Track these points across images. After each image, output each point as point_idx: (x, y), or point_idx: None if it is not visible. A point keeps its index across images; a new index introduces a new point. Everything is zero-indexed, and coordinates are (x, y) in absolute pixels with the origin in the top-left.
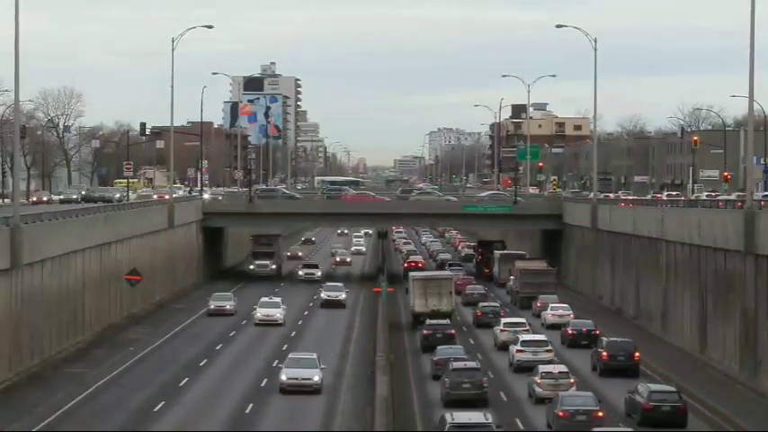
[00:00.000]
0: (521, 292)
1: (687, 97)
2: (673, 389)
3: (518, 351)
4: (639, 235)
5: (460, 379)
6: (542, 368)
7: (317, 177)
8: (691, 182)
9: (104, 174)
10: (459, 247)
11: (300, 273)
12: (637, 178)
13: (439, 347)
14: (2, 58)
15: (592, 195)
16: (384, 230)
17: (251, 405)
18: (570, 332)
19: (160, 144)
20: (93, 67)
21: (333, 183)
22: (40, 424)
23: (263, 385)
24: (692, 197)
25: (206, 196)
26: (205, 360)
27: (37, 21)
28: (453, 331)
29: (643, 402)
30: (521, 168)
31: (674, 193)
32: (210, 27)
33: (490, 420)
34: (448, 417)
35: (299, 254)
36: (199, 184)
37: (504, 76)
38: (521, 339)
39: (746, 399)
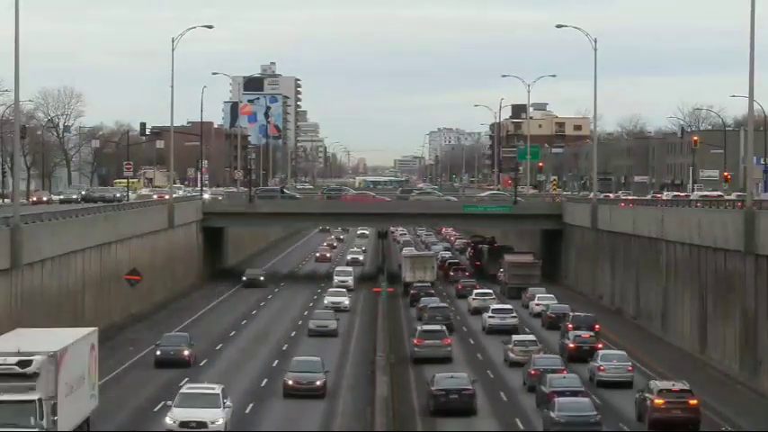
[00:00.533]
0: (509, 283)
1: (687, 97)
2: (591, 334)
3: (489, 317)
4: (639, 235)
5: (434, 313)
6: (515, 338)
7: (382, 178)
8: (691, 182)
9: (104, 174)
10: (455, 243)
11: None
12: (637, 178)
13: (423, 298)
14: (2, 58)
15: (592, 195)
16: (384, 230)
17: (251, 404)
18: (550, 315)
19: (160, 144)
20: (93, 67)
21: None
22: None
23: (263, 385)
24: (692, 195)
25: (206, 196)
26: (205, 360)
27: (37, 21)
28: (433, 291)
29: (569, 344)
30: (521, 168)
31: (683, 194)
32: (210, 27)
33: (444, 329)
34: (419, 326)
35: (186, 353)
36: (199, 184)
37: (504, 76)
38: (491, 307)
39: (746, 399)
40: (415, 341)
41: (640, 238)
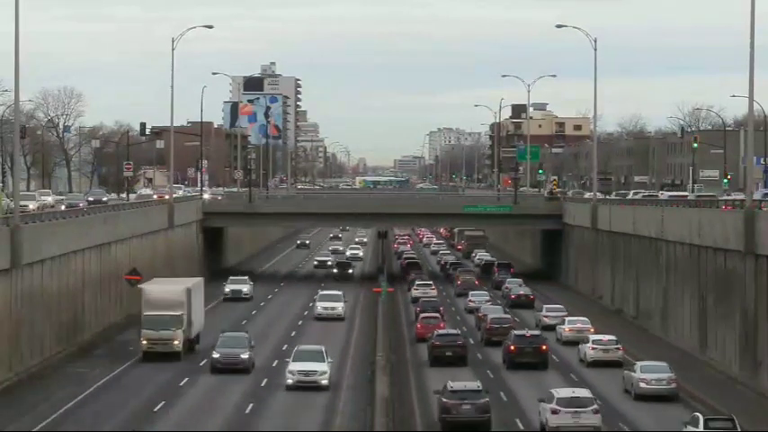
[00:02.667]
0: (466, 248)
1: (687, 97)
2: (510, 274)
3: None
4: (639, 235)
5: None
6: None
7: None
8: (691, 182)
9: (104, 174)
10: (442, 232)
11: None
12: (637, 178)
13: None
14: (2, 58)
15: (588, 195)
16: (384, 230)
17: (251, 405)
18: (483, 264)
19: (160, 144)
20: (93, 67)
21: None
22: (40, 424)
23: (263, 385)
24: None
25: (206, 196)
26: (205, 360)
27: (37, 21)
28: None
29: (496, 279)
30: (521, 168)
31: (685, 194)
32: (210, 27)
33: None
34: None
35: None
36: (199, 184)
37: (504, 76)
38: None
39: (746, 399)
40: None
41: (640, 238)
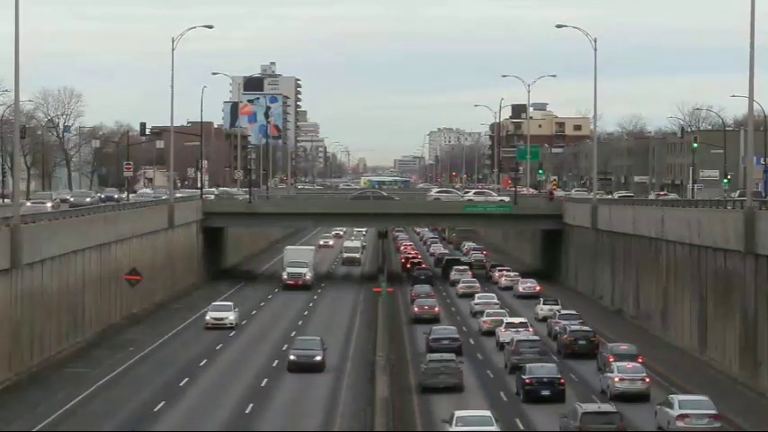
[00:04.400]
0: (456, 240)
1: (687, 97)
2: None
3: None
4: (639, 235)
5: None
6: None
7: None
8: (691, 182)
9: (104, 174)
10: (439, 229)
11: None
12: (637, 178)
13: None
14: (2, 58)
15: (587, 194)
16: (384, 230)
17: (251, 405)
18: (467, 250)
19: (160, 144)
20: (93, 67)
21: None
22: (40, 424)
23: (262, 385)
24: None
25: (212, 197)
26: (205, 360)
27: (37, 20)
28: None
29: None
30: (521, 168)
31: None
32: (210, 27)
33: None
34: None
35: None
36: (199, 184)
37: (504, 76)
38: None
39: (746, 399)
40: None
41: (640, 238)
